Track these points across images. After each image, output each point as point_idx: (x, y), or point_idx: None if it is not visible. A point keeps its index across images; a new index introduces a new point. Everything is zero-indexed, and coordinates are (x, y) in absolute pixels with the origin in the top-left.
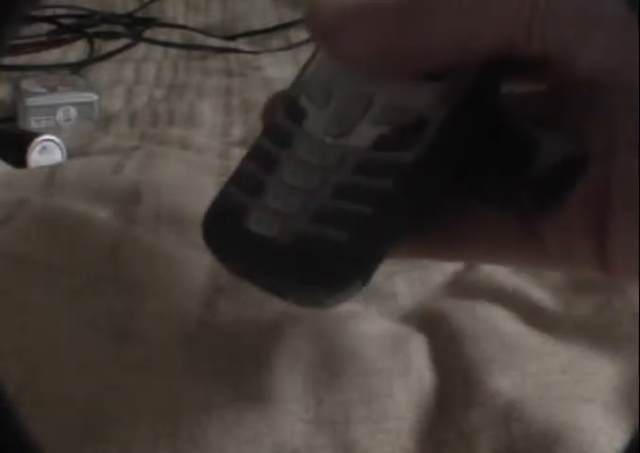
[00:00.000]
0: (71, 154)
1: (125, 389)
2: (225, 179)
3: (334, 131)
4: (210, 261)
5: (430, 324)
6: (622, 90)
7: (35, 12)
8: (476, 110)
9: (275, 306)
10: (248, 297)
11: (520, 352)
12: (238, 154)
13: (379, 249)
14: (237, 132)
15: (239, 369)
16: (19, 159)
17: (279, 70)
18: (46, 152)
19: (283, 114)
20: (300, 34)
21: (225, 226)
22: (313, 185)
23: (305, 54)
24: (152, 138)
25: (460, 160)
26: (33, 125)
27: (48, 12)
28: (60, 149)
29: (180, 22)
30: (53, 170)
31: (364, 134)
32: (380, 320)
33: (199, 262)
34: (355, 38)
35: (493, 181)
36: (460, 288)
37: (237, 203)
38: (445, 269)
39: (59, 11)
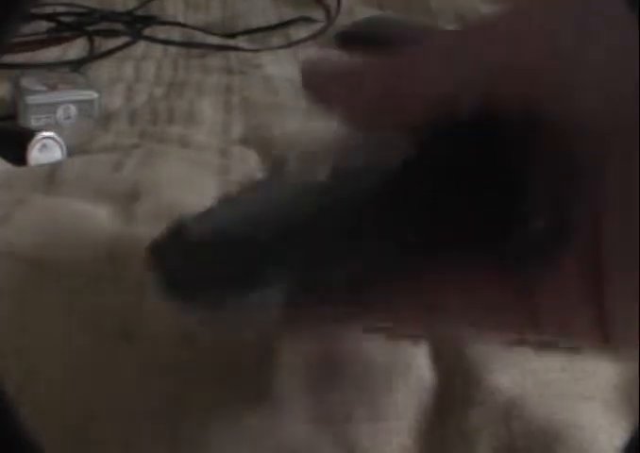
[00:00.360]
0: (71, 152)
1: (124, 389)
2: (224, 178)
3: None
4: None
5: None
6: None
7: (35, 10)
8: (447, 162)
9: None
10: None
11: (520, 350)
12: (238, 152)
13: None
14: (237, 130)
15: (239, 369)
16: (19, 157)
17: (279, 68)
18: (46, 149)
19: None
20: (300, 32)
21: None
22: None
23: (305, 52)
24: (152, 136)
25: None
26: (33, 123)
27: (48, 10)
28: (60, 147)
29: (180, 20)
30: (53, 168)
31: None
32: None
33: None
34: (346, 95)
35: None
36: None
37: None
38: None
39: (59, 9)
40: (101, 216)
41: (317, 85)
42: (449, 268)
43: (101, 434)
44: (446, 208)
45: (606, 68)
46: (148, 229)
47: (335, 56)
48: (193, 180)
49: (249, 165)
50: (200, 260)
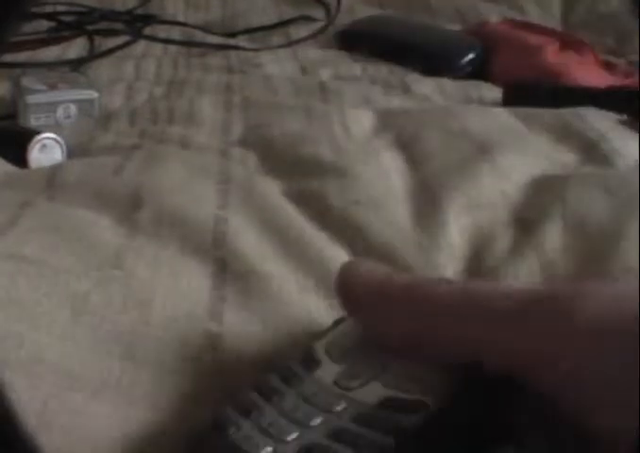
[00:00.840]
0: (71, 151)
1: (134, 412)
2: (225, 186)
3: (344, 384)
4: (214, 271)
5: None
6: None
7: (35, 9)
8: (473, 406)
9: (279, 314)
10: (253, 306)
11: None
12: (238, 154)
13: None
14: (237, 129)
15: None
16: (19, 157)
17: (279, 67)
18: (46, 150)
19: (297, 359)
20: (300, 31)
21: (212, 442)
22: (312, 423)
23: (305, 50)
24: (152, 136)
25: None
26: (33, 122)
27: (48, 9)
28: (61, 147)
29: (180, 19)
30: (53, 171)
31: (373, 392)
32: None
33: (203, 271)
34: (379, 320)
35: None
36: None
37: (230, 420)
38: None
39: (59, 8)
40: (105, 224)
41: (350, 296)
42: None
43: None
44: None
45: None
46: (151, 237)
47: (335, 54)
48: (194, 185)
49: (249, 167)
50: None
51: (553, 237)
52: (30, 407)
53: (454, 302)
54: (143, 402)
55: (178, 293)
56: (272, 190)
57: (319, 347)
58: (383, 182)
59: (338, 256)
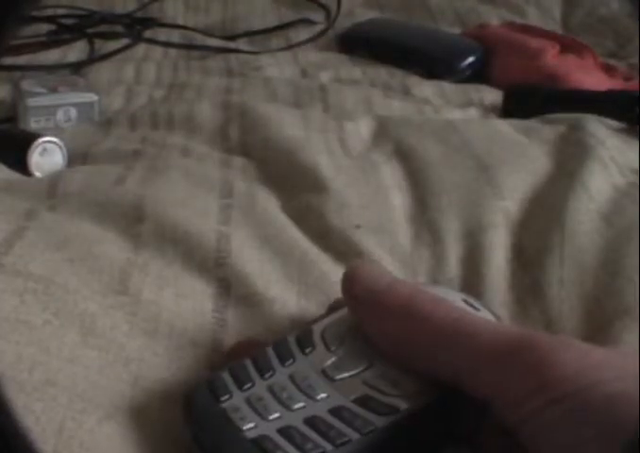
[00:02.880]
0: (71, 155)
1: (145, 435)
2: (226, 201)
3: (330, 374)
4: (216, 292)
5: None
6: None
7: (35, 12)
8: (440, 419)
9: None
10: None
11: None
12: (238, 163)
13: None
14: (236, 134)
15: None
16: (19, 161)
17: (280, 70)
18: (47, 153)
19: (295, 336)
20: (300, 34)
21: (205, 402)
22: (294, 406)
23: (305, 54)
24: (153, 143)
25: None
26: (33, 125)
27: (48, 12)
28: (61, 151)
29: (180, 22)
30: (54, 180)
31: (354, 388)
32: None
33: (206, 292)
34: (375, 324)
35: None
36: None
37: (225, 387)
38: None
39: (60, 12)
40: (108, 239)
41: (353, 295)
42: None
43: None
44: None
45: None
46: (155, 254)
47: (335, 57)
48: (196, 200)
49: (249, 178)
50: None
51: (552, 274)
52: (48, 428)
53: (446, 328)
54: (154, 426)
55: (182, 319)
56: (273, 206)
57: (316, 330)
58: (382, 202)
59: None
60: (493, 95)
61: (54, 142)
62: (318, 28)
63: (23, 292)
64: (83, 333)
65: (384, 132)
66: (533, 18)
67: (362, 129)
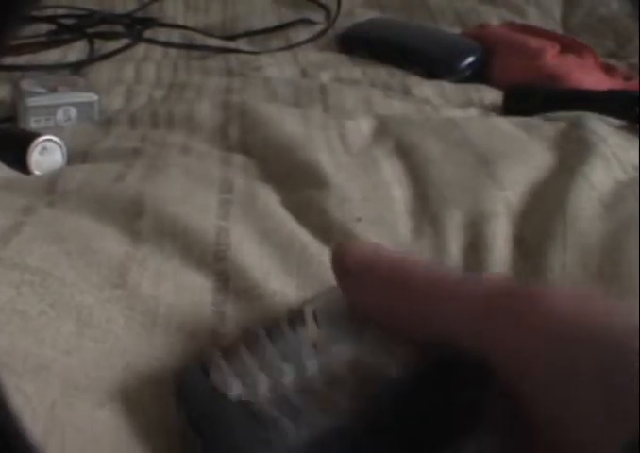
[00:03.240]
0: (71, 154)
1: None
2: (226, 196)
3: (321, 347)
4: (215, 286)
5: None
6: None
7: (35, 12)
8: (436, 386)
9: None
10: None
11: None
12: (239, 161)
13: None
14: (236, 133)
15: None
16: (19, 160)
17: (279, 70)
18: (47, 152)
19: (286, 318)
20: (300, 34)
21: (195, 379)
22: (283, 377)
23: (305, 54)
24: (153, 142)
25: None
26: (33, 125)
27: (48, 12)
28: (61, 149)
29: (180, 22)
30: (54, 178)
31: (345, 358)
32: None
33: (205, 286)
34: (363, 291)
35: None
36: None
37: (214, 364)
38: None
39: (60, 11)
40: (107, 234)
41: (341, 269)
42: None
43: None
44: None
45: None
46: (154, 249)
47: (335, 57)
48: (195, 196)
49: (250, 174)
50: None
51: (554, 260)
52: (39, 410)
53: (441, 287)
54: (149, 415)
55: (181, 313)
56: (273, 201)
57: (308, 310)
58: (383, 195)
59: None
60: (493, 95)
61: (54, 141)
62: (318, 28)
63: (19, 284)
64: (79, 325)
65: (385, 130)
66: (533, 18)
67: (362, 127)
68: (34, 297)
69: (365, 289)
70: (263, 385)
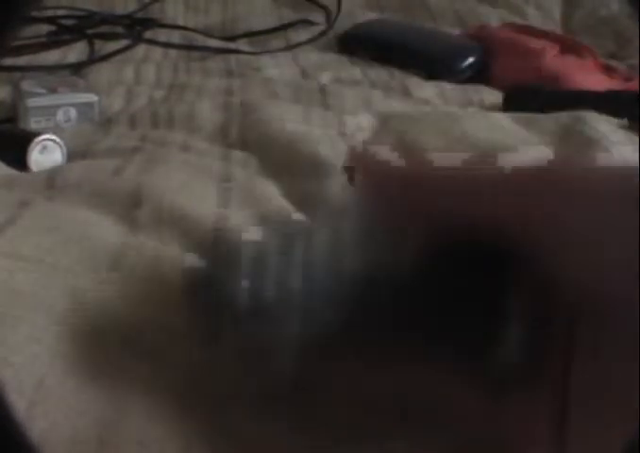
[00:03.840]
0: (71, 154)
1: (134, 405)
2: (225, 186)
3: (332, 246)
4: None
5: None
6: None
7: (35, 13)
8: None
9: None
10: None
11: None
12: (238, 157)
13: None
14: (236, 133)
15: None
16: (19, 159)
17: (279, 71)
18: (47, 151)
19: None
20: (300, 35)
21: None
22: (292, 271)
23: (305, 54)
24: (153, 141)
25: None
26: (33, 125)
27: (48, 13)
28: (61, 148)
29: (180, 23)
30: (53, 173)
31: (358, 253)
32: None
33: None
34: (400, 193)
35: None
36: None
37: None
38: None
39: (60, 12)
40: (104, 223)
41: (368, 170)
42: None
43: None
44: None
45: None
46: (152, 236)
47: (335, 57)
48: (195, 186)
49: (250, 170)
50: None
51: None
52: (27, 381)
53: (476, 175)
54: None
55: (179, 292)
56: (272, 191)
57: (315, 228)
58: None
59: None
60: (493, 96)
61: (53, 140)
62: (318, 29)
63: (13, 270)
64: (74, 304)
65: (385, 127)
66: (533, 18)
67: (363, 124)
68: (27, 280)
69: (397, 186)
70: (272, 274)
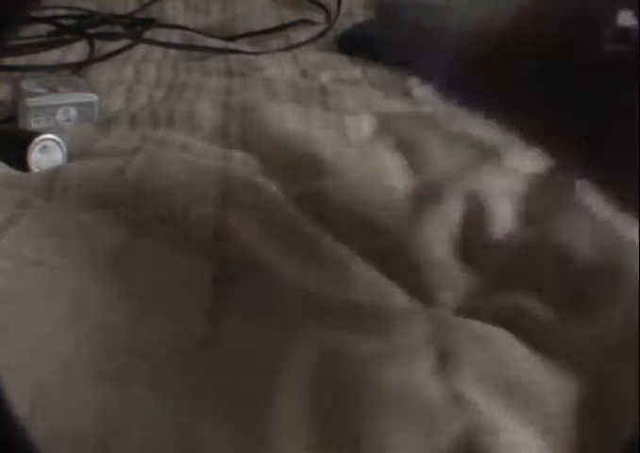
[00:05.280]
0: (71, 153)
1: (133, 407)
2: (224, 185)
3: None
4: (214, 270)
5: None
6: None
7: (35, 13)
8: None
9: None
10: (252, 308)
11: None
12: (238, 156)
13: None
14: (236, 132)
15: (240, 399)
16: (20, 159)
17: (279, 70)
18: (47, 151)
19: None
20: (300, 34)
21: None
22: None
23: (305, 54)
24: (153, 141)
25: None
26: (33, 125)
27: (48, 13)
28: (61, 148)
29: (180, 22)
30: (53, 174)
31: None
32: None
33: (203, 272)
34: None
35: None
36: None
37: None
38: None
39: (59, 12)
40: (104, 224)
41: None
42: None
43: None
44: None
45: None
46: (152, 235)
47: (335, 57)
48: (194, 184)
49: (250, 169)
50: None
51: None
52: (27, 387)
53: None
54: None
55: (177, 297)
56: (273, 189)
57: None
58: (385, 180)
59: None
60: None
61: (54, 140)
62: (318, 29)
63: (14, 271)
64: (75, 306)
65: (385, 127)
66: None
67: (363, 124)
68: (28, 282)
69: None
70: None
